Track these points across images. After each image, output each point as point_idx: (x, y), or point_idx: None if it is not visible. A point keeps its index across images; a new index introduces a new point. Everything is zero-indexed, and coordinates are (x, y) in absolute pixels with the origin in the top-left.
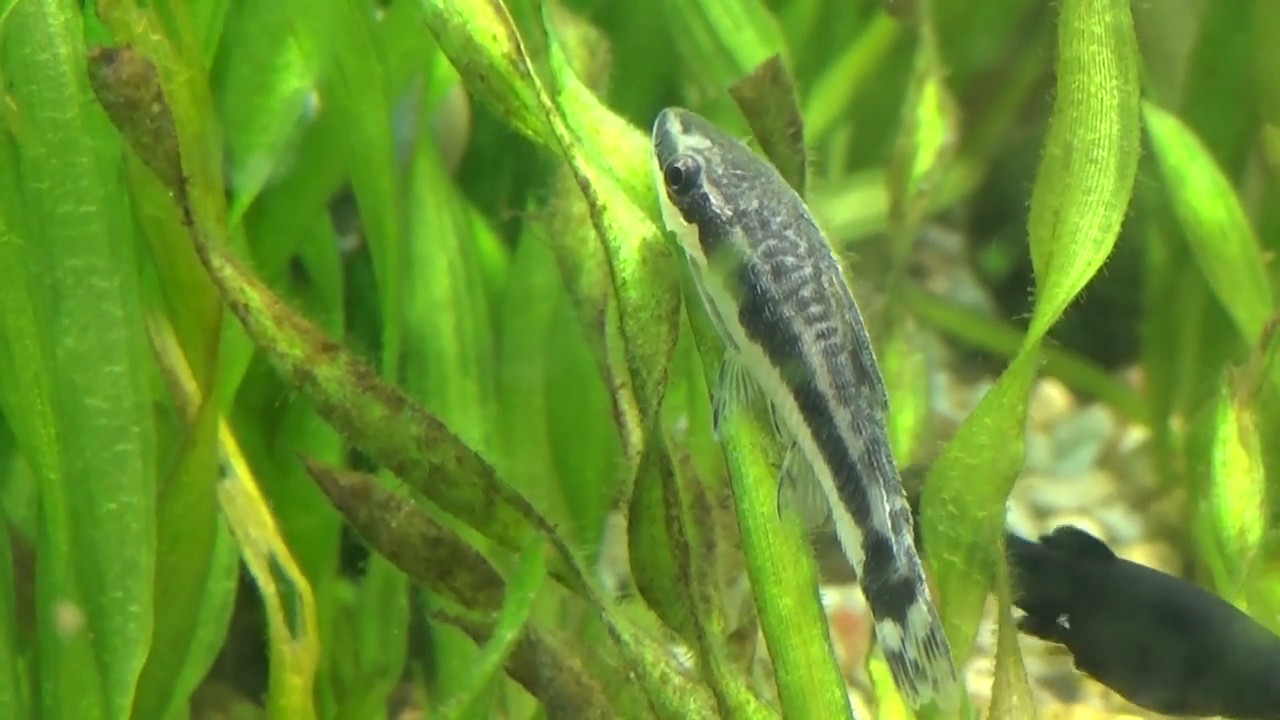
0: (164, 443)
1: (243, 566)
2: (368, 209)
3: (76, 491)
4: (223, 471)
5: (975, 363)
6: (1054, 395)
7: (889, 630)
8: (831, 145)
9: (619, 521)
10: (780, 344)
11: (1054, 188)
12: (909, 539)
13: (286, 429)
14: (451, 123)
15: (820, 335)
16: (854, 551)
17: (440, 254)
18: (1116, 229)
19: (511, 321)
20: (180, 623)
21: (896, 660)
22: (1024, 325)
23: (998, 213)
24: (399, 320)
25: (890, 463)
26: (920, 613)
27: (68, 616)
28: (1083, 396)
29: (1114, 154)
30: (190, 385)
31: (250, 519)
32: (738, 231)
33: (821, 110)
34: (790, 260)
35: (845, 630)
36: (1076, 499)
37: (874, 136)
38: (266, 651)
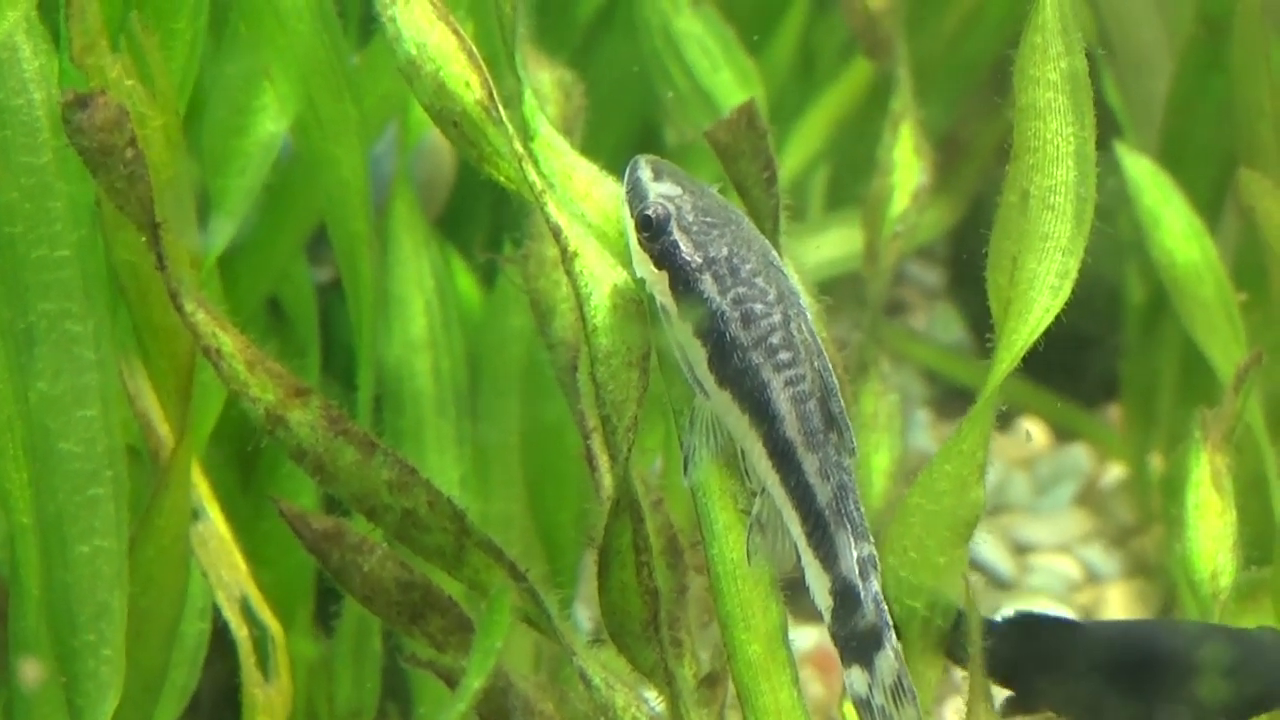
0: (137, 486)
1: (216, 610)
2: (343, 251)
3: (49, 535)
4: (196, 515)
5: (955, 398)
6: (1034, 433)
7: (856, 677)
8: (810, 186)
9: (595, 564)
10: (748, 391)
11: (1011, 234)
12: (877, 586)
13: (260, 473)
14: (437, 167)
15: (788, 382)
16: (822, 598)
17: (417, 295)
18: (1074, 275)
19: (488, 363)
20: (153, 666)
21: (864, 707)
22: None
23: (978, 250)
24: (374, 361)
25: (859, 510)
26: (888, 659)
27: (31, 671)
28: (1062, 434)
29: (1071, 200)
30: (163, 429)
31: (223, 562)
32: (707, 279)
33: (800, 151)
34: (759, 308)
35: (823, 669)
36: (1056, 536)
37: (853, 177)
38: (240, 694)
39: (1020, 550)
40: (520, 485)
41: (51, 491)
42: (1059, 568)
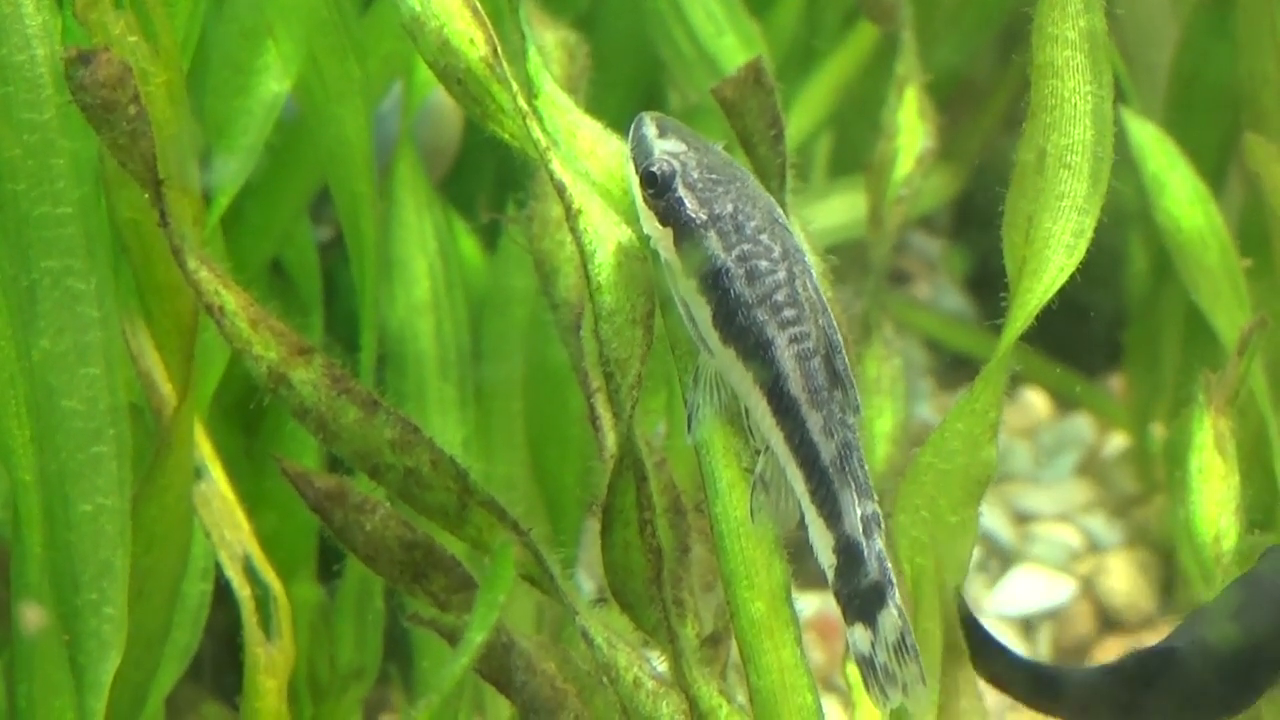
0: (140, 445)
1: (219, 569)
2: (345, 212)
3: (51, 493)
4: (198, 474)
5: (957, 368)
6: (1036, 402)
7: (859, 634)
8: (814, 151)
9: (597, 525)
10: (753, 348)
11: (1027, 193)
12: (880, 543)
13: (263, 431)
14: (443, 129)
15: (793, 340)
16: (825, 556)
17: (420, 257)
18: (1089, 234)
19: (490, 325)
20: (155, 625)
21: (866, 664)
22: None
23: (980, 219)
24: (376, 323)
25: (862, 467)
26: (890, 617)
27: (32, 616)
28: (1064, 403)
29: (1087, 159)
30: (166, 387)
31: (226, 521)
32: (712, 235)
33: (804, 116)
34: (764, 265)
35: (824, 635)
36: (1058, 505)
37: (857, 142)
38: (243, 654)
39: (1022, 519)
40: (523, 448)
41: (54, 449)
42: (1060, 537)
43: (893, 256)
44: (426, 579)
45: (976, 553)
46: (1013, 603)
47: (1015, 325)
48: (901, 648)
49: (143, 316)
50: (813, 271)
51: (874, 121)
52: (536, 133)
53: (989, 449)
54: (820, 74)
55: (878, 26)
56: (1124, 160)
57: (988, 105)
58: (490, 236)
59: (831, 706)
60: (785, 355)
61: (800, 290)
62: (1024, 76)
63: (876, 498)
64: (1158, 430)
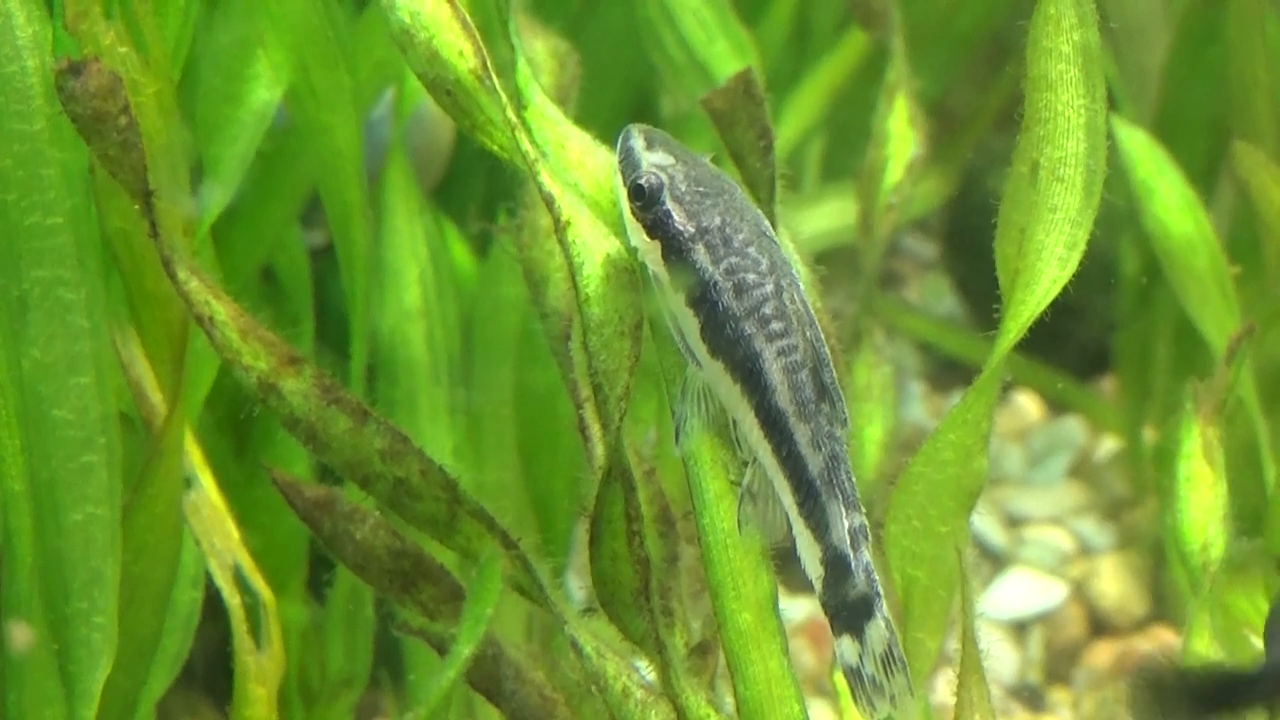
0: (130, 454)
1: (209, 577)
2: (336, 219)
3: (42, 502)
4: (189, 483)
5: (949, 371)
6: (1028, 405)
7: (847, 646)
8: (806, 157)
9: (587, 534)
10: (741, 361)
11: (1020, 205)
12: (868, 555)
13: (254, 440)
14: (435, 135)
15: (781, 352)
16: (813, 568)
17: (411, 263)
18: (1082, 247)
19: (482, 332)
20: (146, 633)
21: (854, 676)
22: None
23: (974, 222)
24: (367, 330)
25: (850, 479)
26: (878, 629)
27: (20, 635)
28: (1056, 406)
29: (1080, 172)
30: (157, 397)
31: (216, 530)
32: (700, 248)
33: (795, 122)
34: (752, 277)
35: (816, 639)
36: (1049, 508)
37: (849, 148)
38: (233, 662)
39: (1013, 523)
40: (513, 454)
41: (44, 458)
42: (1052, 540)
43: (885, 260)
44: (416, 588)
45: (967, 556)
46: (1004, 606)
47: (1008, 337)
48: (889, 659)
49: (133, 326)
50: (800, 284)
51: (865, 127)
52: (525, 145)
53: (981, 459)
54: (811, 80)
55: (868, 32)
56: (1114, 167)
57: (979, 110)
58: (482, 244)
59: (822, 711)
60: (773, 368)
61: (788, 303)
62: (1015, 87)
63: (864, 510)
64: (1149, 433)
